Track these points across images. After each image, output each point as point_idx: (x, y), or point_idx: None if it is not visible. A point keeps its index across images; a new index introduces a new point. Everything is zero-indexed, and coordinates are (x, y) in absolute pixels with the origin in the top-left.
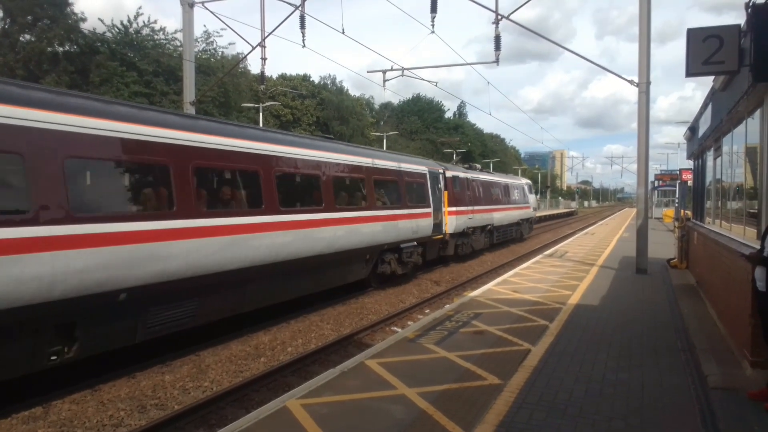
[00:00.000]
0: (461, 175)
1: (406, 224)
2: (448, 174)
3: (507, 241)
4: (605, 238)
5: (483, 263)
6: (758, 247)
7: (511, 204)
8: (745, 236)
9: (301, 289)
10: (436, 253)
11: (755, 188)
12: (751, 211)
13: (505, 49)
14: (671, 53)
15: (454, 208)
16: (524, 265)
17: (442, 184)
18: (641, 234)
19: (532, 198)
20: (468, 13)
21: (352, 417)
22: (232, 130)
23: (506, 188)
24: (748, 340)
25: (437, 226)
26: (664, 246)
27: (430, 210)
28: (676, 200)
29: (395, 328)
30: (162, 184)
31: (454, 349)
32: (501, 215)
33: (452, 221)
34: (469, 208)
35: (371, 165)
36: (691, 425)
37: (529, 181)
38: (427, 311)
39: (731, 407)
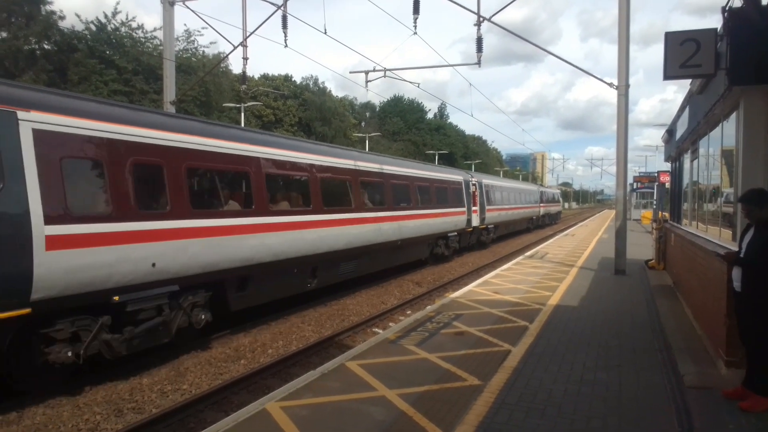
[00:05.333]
0: (543, 189)
1: (544, 209)
2: (542, 189)
3: (549, 222)
4: (585, 240)
5: (464, 264)
6: (733, 248)
7: (555, 203)
8: (721, 237)
9: None
10: (536, 223)
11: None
12: (727, 211)
13: (491, 51)
14: (654, 56)
15: (542, 204)
16: (505, 266)
17: (540, 193)
18: (620, 235)
19: (560, 200)
20: (453, 14)
21: (332, 419)
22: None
23: (553, 195)
24: (724, 339)
25: (536, 211)
26: (642, 247)
27: (538, 204)
28: (654, 202)
29: (376, 330)
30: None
31: (435, 350)
32: (553, 208)
33: (542, 210)
34: (545, 204)
35: (544, 191)
36: (667, 424)
37: (559, 190)
38: (408, 312)
39: (707, 406)
